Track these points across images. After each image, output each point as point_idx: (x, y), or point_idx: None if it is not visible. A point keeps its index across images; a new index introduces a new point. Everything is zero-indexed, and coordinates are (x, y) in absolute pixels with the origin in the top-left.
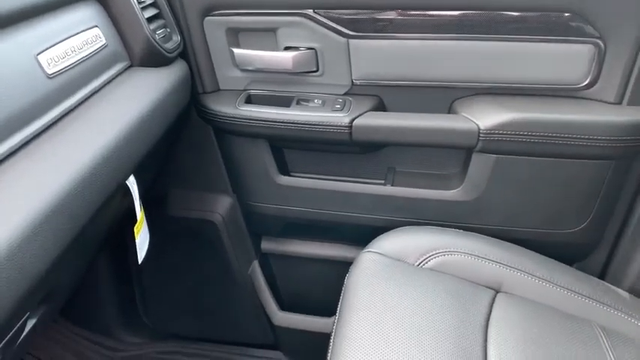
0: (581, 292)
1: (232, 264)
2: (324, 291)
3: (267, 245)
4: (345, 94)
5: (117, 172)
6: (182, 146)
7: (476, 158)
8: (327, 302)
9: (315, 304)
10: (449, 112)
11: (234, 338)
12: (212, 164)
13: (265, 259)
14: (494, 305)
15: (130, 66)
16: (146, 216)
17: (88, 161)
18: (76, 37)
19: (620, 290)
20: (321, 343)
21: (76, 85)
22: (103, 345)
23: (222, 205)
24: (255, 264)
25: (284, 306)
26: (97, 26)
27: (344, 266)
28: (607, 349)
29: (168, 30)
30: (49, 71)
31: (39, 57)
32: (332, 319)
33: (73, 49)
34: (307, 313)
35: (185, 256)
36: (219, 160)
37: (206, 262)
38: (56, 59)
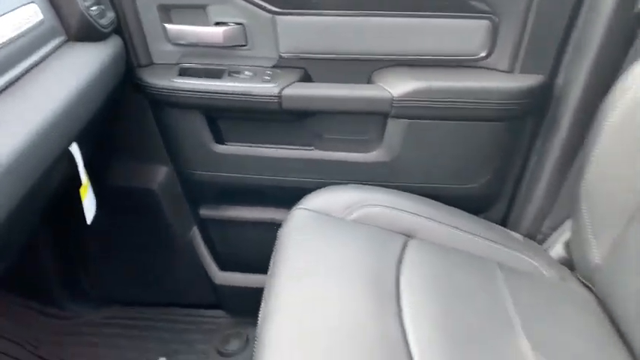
0: (483, 236)
1: (172, 230)
2: (260, 250)
3: (205, 211)
4: (273, 66)
5: (61, 138)
6: (120, 119)
7: (391, 123)
8: (264, 260)
9: (253, 263)
10: (368, 83)
11: (178, 300)
12: (149, 135)
13: (204, 225)
14: (407, 249)
15: (67, 41)
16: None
17: (34, 128)
18: (13, 13)
19: (516, 234)
20: (259, 298)
21: (16, 59)
22: (49, 314)
23: (160, 175)
24: (195, 229)
25: (224, 267)
26: (33, 2)
27: (278, 227)
28: (502, 281)
29: (103, 7)
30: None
31: None
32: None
33: (12, 25)
34: (246, 272)
35: (126, 224)
36: (156, 131)
37: (147, 230)
38: None
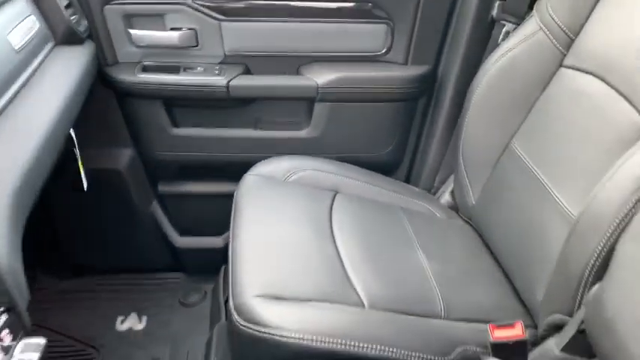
0: (389, 189)
1: (135, 204)
2: (212, 217)
3: (163, 187)
4: (220, 63)
5: (67, 124)
6: (89, 110)
7: (317, 106)
8: (217, 225)
9: (207, 228)
10: (297, 75)
11: (144, 266)
12: (115, 124)
13: (163, 199)
14: (335, 200)
15: (55, 45)
16: (62, 169)
17: (53, 114)
18: (21, 24)
19: (415, 188)
20: (213, 257)
21: (30, 58)
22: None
23: (124, 157)
24: (155, 203)
25: (182, 233)
26: (32, 15)
27: (227, 197)
28: (404, 219)
29: (78, 16)
30: (16, 48)
31: (8, 37)
32: (222, 236)
33: (21, 34)
34: (201, 236)
35: (95, 201)
36: (121, 119)
37: (113, 205)
38: (18, 39)
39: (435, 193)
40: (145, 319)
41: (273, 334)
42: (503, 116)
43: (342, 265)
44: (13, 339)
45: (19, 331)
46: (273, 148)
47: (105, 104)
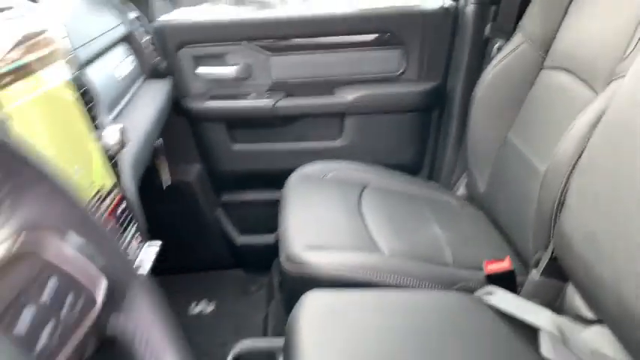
0: (412, 184)
1: (203, 211)
2: (267, 219)
3: (225, 196)
4: (268, 89)
5: (157, 133)
6: (166, 134)
7: (347, 120)
8: (269, 225)
9: (262, 229)
10: (330, 95)
11: (210, 264)
12: (186, 144)
13: (225, 206)
14: (364, 192)
15: (145, 79)
16: (146, 180)
17: (147, 125)
18: (125, 61)
19: (434, 183)
20: (267, 253)
21: (130, 85)
22: None
23: (194, 171)
24: (219, 209)
25: (242, 233)
26: (131, 54)
27: (278, 201)
28: (424, 204)
29: (160, 58)
30: (119, 78)
31: (114, 71)
32: (274, 234)
33: (125, 67)
34: (256, 234)
35: (170, 208)
36: (192, 140)
37: (185, 211)
38: (120, 72)
39: (452, 187)
40: (214, 303)
41: (313, 271)
42: (499, 115)
43: (368, 232)
44: (140, 242)
45: (142, 237)
46: (312, 157)
47: (178, 129)
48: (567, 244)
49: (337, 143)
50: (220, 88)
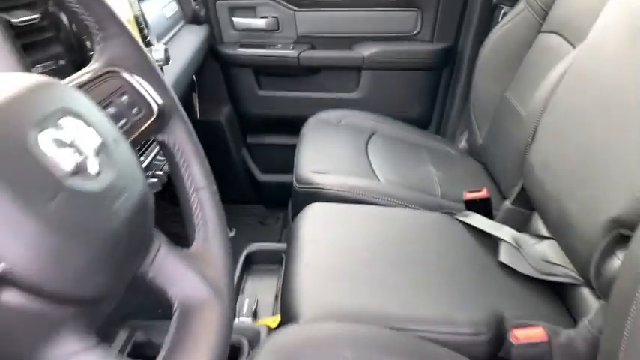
0: (417, 134)
1: (230, 149)
2: (287, 160)
3: (250, 138)
4: (294, 42)
5: (192, 69)
6: (201, 77)
7: (363, 74)
8: (290, 166)
9: (283, 169)
10: (349, 50)
11: (234, 198)
12: (219, 86)
13: (250, 147)
14: (372, 138)
15: (185, 23)
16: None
17: (184, 63)
18: (167, 6)
19: (440, 137)
20: (286, 191)
21: (173, 25)
22: None
23: (224, 111)
24: (244, 149)
25: (263, 172)
26: (173, 2)
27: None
28: (425, 152)
29: (200, 6)
30: (165, 17)
31: (162, 11)
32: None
33: (169, 11)
34: (276, 174)
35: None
36: (223, 83)
37: (213, 148)
38: (167, 14)
39: (457, 141)
40: (233, 230)
41: (317, 190)
42: (499, 75)
43: (370, 165)
44: None
45: None
46: (330, 107)
47: (212, 72)
48: (531, 174)
49: (354, 95)
50: (250, 38)
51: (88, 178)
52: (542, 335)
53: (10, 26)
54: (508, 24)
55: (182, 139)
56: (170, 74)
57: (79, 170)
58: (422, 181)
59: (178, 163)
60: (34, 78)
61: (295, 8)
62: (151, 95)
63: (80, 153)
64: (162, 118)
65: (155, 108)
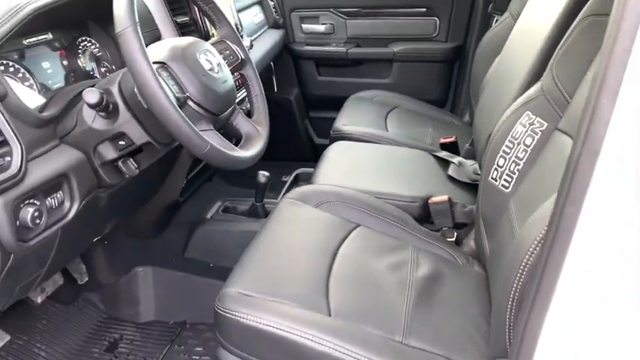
0: (432, 109)
1: (297, 119)
2: None
3: (312, 113)
4: (344, 42)
5: (268, 58)
6: (277, 67)
7: (394, 65)
8: None
9: None
10: (385, 47)
11: (299, 156)
12: (290, 73)
13: (311, 119)
14: (393, 109)
15: (268, 28)
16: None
17: (266, 50)
18: (256, 15)
19: (451, 113)
20: None
21: (258, 29)
22: None
23: (294, 92)
24: (307, 121)
25: (319, 137)
26: (260, 13)
27: None
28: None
29: (279, 16)
30: (254, 22)
31: (252, 18)
32: None
33: (255, 17)
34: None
35: (276, 115)
36: (294, 71)
37: (286, 119)
38: (254, 20)
39: (461, 115)
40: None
41: (344, 134)
42: (488, 64)
43: (385, 123)
44: None
45: None
46: (370, 88)
47: (286, 63)
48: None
49: (387, 80)
50: (313, 38)
51: (214, 73)
52: (446, 199)
53: (176, 23)
54: (496, 28)
55: (251, 75)
56: (253, 57)
57: (211, 69)
58: (418, 135)
59: (249, 83)
60: (197, 39)
61: (346, 17)
62: (239, 52)
63: (211, 64)
64: (243, 63)
65: (240, 58)
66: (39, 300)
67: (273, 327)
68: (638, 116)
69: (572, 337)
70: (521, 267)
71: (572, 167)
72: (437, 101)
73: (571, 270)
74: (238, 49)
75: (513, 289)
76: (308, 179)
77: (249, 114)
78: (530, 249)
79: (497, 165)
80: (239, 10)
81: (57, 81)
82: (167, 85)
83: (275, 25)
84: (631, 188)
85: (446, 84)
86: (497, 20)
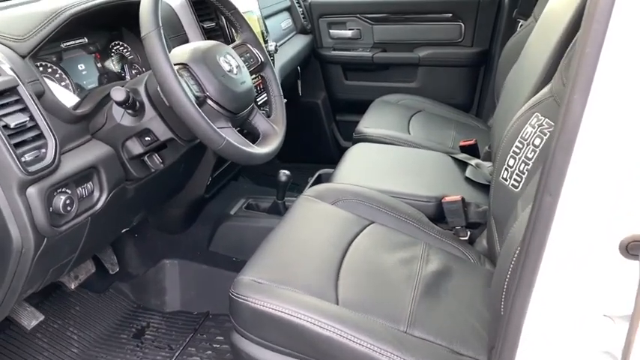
0: (456, 113)
1: (323, 122)
2: None
3: (338, 117)
4: (371, 47)
5: (297, 63)
6: (305, 72)
7: (419, 69)
8: None
9: None
10: (410, 52)
11: (325, 159)
12: (316, 78)
13: (338, 123)
14: (417, 113)
15: (296, 33)
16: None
17: (291, 55)
18: (284, 21)
19: (475, 116)
20: None
21: (287, 34)
22: None
23: (321, 96)
24: (334, 124)
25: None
26: (288, 18)
27: None
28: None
29: (307, 22)
30: (282, 28)
31: (280, 24)
32: None
33: (284, 24)
34: None
35: (304, 118)
36: (320, 75)
37: (312, 122)
38: (283, 26)
39: (486, 120)
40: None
41: (366, 136)
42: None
43: (408, 127)
44: None
45: None
46: (395, 92)
47: (314, 68)
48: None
49: (412, 85)
50: (341, 43)
51: (233, 74)
52: (459, 199)
53: (203, 28)
54: (521, 32)
55: (270, 77)
56: (279, 61)
57: (230, 70)
58: (440, 138)
59: (268, 84)
60: (218, 43)
61: (373, 23)
62: (259, 55)
63: (230, 65)
64: (262, 65)
65: (260, 60)
66: (72, 286)
67: (281, 311)
68: (606, 110)
69: (553, 323)
70: (513, 259)
71: (550, 156)
72: (462, 105)
73: (550, 257)
74: (258, 52)
75: (506, 280)
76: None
77: (268, 115)
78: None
79: (508, 165)
80: (267, 16)
81: (91, 81)
82: (187, 84)
83: (303, 31)
84: (604, 176)
85: (471, 88)
86: (522, 25)
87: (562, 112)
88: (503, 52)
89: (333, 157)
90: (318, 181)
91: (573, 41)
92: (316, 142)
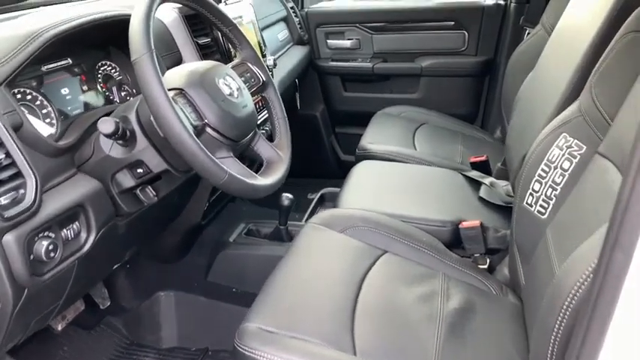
0: (461, 125)
1: (322, 136)
2: None
3: (338, 129)
4: (371, 58)
5: (294, 75)
6: (303, 84)
7: (421, 80)
8: None
9: None
10: (411, 62)
11: (325, 173)
12: (314, 89)
13: (337, 135)
14: (421, 125)
15: (293, 44)
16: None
17: (289, 68)
18: (281, 32)
19: (480, 128)
20: None
21: (284, 46)
22: None
23: (319, 108)
24: (333, 137)
25: (345, 153)
26: (284, 29)
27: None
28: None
29: (304, 32)
30: (279, 39)
31: (277, 35)
32: None
33: (281, 35)
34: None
35: (302, 131)
36: (319, 87)
37: (311, 135)
38: (279, 37)
39: (493, 132)
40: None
41: (370, 153)
42: (521, 78)
43: (413, 141)
44: None
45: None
46: (397, 104)
47: (311, 79)
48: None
49: (414, 96)
50: (339, 54)
51: (234, 98)
52: (477, 224)
53: (198, 44)
54: (528, 40)
55: (273, 97)
56: (277, 75)
57: (231, 94)
58: (447, 153)
59: (271, 106)
60: (216, 63)
61: (372, 32)
62: (260, 75)
63: (230, 88)
64: (264, 85)
65: (261, 80)
66: (59, 327)
67: None
68: None
69: None
70: (562, 311)
71: (623, 207)
72: (466, 116)
73: (620, 324)
74: (260, 71)
75: (554, 334)
76: (333, 200)
77: (270, 137)
78: (572, 292)
79: (533, 190)
80: (263, 28)
81: (76, 107)
82: (184, 112)
83: (300, 42)
84: None
85: (476, 99)
86: (529, 33)
87: (636, 160)
88: (510, 62)
89: (332, 171)
90: (321, 200)
91: (603, 56)
92: (315, 155)
